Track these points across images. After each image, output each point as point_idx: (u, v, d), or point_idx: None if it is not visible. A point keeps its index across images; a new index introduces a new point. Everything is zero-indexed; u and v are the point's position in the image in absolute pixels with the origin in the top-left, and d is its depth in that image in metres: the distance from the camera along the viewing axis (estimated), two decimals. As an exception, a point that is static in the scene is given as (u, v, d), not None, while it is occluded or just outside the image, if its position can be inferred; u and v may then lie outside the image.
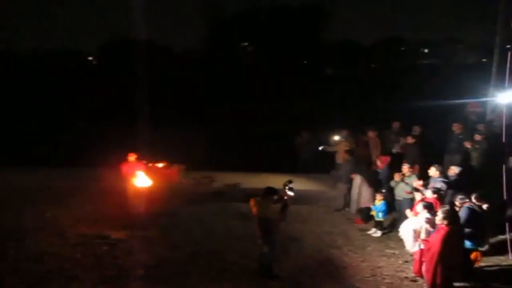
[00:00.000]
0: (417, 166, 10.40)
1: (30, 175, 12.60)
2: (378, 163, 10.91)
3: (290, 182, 7.51)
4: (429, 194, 8.07)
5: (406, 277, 7.56)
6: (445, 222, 6.43)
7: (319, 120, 15.77)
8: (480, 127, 12.28)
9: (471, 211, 7.32)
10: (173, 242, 8.79)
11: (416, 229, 7.45)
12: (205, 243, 8.75)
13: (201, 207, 11.01)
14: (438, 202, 7.82)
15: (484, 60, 28.49)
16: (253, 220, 7.32)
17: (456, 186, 9.04)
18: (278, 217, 7.19)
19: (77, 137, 15.69)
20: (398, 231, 8.44)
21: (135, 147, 10.78)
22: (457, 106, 14.52)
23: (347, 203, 11.12)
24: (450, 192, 8.93)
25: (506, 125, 9.11)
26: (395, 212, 9.95)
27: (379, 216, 9.63)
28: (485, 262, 7.90)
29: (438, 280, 6.41)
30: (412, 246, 7.67)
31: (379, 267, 7.96)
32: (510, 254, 8.23)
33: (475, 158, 11.27)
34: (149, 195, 10.03)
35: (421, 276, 7.18)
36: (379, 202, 9.64)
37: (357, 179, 10.68)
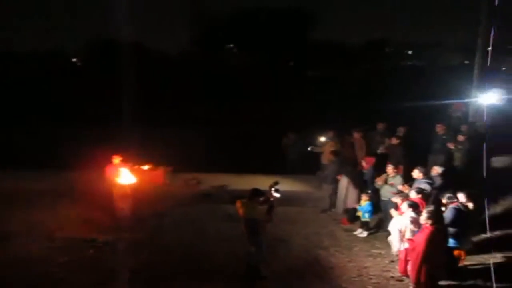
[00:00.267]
0: (401, 167, 10.53)
1: (14, 178, 12.41)
2: (363, 164, 11.03)
3: (276, 183, 7.56)
4: (413, 195, 8.17)
5: (392, 277, 7.66)
6: (430, 221, 6.54)
7: (305, 121, 15.85)
8: (463, 128, 12.53)
9: (457, 211, 7.44)
10: (161, 244, 8.78)
11: (401, 229, 7.57)
12: (193, 245, 8.75)
13: (188, 209, 10.99)
14: (422, 203, 7.93)
15: (466, 62, 28.97)
16: (241, 221, 7.36)
17: (439, 186, 9.18)
18: (264, 218, 7.23)
19: (61, 139, 15.50)
20: (384, 231, 8.57)
21: (120, 149, 10.72)
22: (440, 107, 14.77)
23: (332, 204, 11.19)
24: (434, 192, 9.07)
25: (488, 126, 9.29)
26: (381, 212, 10.05)
27: (365, 217, 9.72)
28: (469, 261, 8.04)
29: (423, 279, 6.52)
30: (398, 245, 7.79)
31: (365, 267, 8.05)
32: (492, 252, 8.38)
33: (458, 158, 11.48)
34: (136, 197, 9.99)
35: (407, 275, 7.28)
36: (364, 203, 9.73)
37: (343, 180, 10.77)
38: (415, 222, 7.10)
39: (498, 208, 10.40)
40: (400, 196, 8.45)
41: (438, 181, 9.33)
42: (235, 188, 11.62)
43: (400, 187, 9.22)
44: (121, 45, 19.64)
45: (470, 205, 7.77)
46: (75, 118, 17.63)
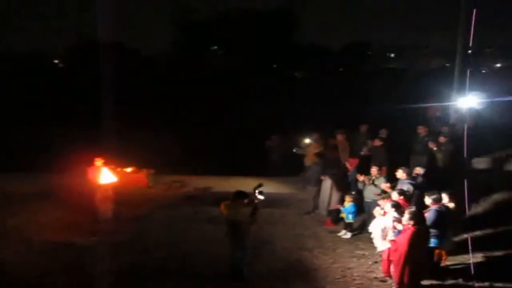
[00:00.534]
0: (384, 168, 10.62)
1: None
2: (347, 165, 11.08)
3: (260, 185, 7.58)
4: (395, 196, 8.22)
5: (375, 278, 7.69)
6: (412, 222, 6.59)
7: (289, 123, 15.90)
8: (444, 129, 12.70)
9: (439, 213, 7.50)
10: (143, 247, 8.67)
11: (384, 228, 7.61)
12: (176, 248, 8.67)
13: (171, 211, 10.89)
14: (405, 204, 7.98)
15: (447, 64, 29.48)
16: (224, 224, 7.32)
17: (421, 186, 9.27)
18: (248, 220, 7.22)
19: (42, 141, 15.25)
20: (368, 232, 8.59)
21: (102, 151, 10.58)
22: (422, 109, 14.98)
23: (316, 206, 11.22)
24: (416, 192, 9.15)
25: (467, 128, 9.44)
26: (364, 213, 10.11)
27: (349, 218, 9.75)
28: (451, 261, 8.12)
29: (406, 280, 6.56)
30: (381, 245, 7.82)
31: (349, 268, 8.07)
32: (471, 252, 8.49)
33: (439, 159, 11.62)
34: (118, 200, 9.86)
35: (390, 276, 7.32)
36: (348, 204, 9.76)
37: (327, 182, 10.80)
38: (398, 221, 7.14)
39: (478, 208, 10.57)
40: (383, 196, 8.52)
41: (420, 182, 9.43)
42: (219, 190, 11.60)
43: (383, 186, 9.29)
44: (103, 46, 19.38)
45: (452, 205, 7.86)
46: (56, 120, 17.35)
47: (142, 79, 21.84)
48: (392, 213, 7.40)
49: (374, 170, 9.86)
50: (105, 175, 9.86)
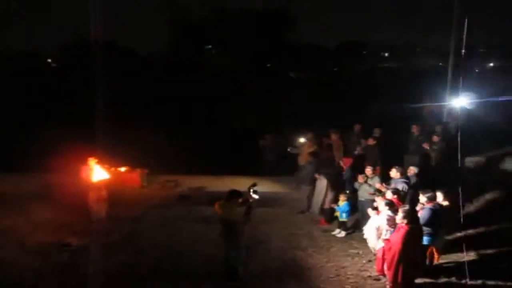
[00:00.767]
0: (378, 168, 10.65)
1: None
2: (341, 164, 11.11)
3: (254, 185, 7.57)
4: (389, 195, 8.25)
5: (369, 276, 7.72)
6: (405, 221, 6.61)
7: (283, 123, 15.90)
8: (438, 128, 12.76)
9: (433, 212, 7.53)
10: (137, 248, 8.65)
11: (378, 227, 7.65)
12: (170, 248, 8.65)
13: (165, 211, 10.86)
14: (399, 202, 8.01)
15: (441, 64, 29.62)
16: (218, 223, 7.32)
17: (415, 185, 9.31)
18: (242, 220, 7.21)
19: (35, 141, 15.16)
20: (361, 231, 8.62)
21: (95, 151, 10.53)
22: (416, 108, 15.03)
23: (310, 205, 11.24)
24: (410, 191, 9.19)
25: (461, 127, 9.48)
26: (358, 212, 10.14)
27: (343, 217, 9.77)
28: (444, 259, 8.16)
29: (400, 278, 6.59)
30: (375, 244, 7.85)
31: (343, 267, 8.09)
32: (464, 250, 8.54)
33: (433, 158, 11.67)
34: (112, 199, 9.83)
35: (384, 274, 7.35)
36: (342, 203, 9.78)
37: (322, 181, 10.81)
38: (392, 220, 7.17)
39: (471, 207, 10.63)
40: (377, 195, 8.55)
41: (414, 181, 9.47)
42: (213, 190, 11.58)
43: (377, 185, 9.33)
44: (96, 46, 19.32)
45: (445, 203, 7.90)
46: (49, 119, 17.26)
47: (137, 79, 21.78)
48: (386, 212, 7.44)
49: (368, 169, 9.89)
50: (99, 175, 9.81)
